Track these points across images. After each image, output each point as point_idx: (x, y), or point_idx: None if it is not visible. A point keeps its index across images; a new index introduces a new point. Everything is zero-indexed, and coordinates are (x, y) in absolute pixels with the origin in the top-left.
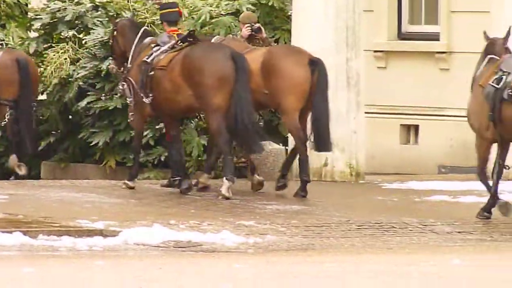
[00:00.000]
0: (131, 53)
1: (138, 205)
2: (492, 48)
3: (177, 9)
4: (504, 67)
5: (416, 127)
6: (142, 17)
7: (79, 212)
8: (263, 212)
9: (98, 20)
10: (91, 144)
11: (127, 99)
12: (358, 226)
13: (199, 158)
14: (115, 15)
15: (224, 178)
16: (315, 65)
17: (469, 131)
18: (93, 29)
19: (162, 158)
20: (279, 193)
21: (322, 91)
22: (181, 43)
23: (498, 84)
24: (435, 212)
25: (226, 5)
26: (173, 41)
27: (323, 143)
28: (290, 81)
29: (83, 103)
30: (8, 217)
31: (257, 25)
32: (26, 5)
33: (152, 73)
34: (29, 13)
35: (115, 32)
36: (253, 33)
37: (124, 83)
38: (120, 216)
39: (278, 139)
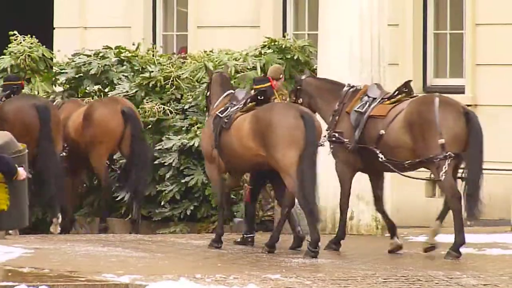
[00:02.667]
0: None
1: (164, 259)
2: (226, 82)
3: (20, 82)
4: (233, 100)
5: None
6: (168, 71)
7: (105, 266)
8: (289, 266)
9: (123, 75)
10: (117, 199)
11: None
12: (384, 279)
13: None
14: (140, 69)
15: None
16: (128, 115)
17: (493, 184)
18: (118, 84)
19: (188, 212)
20: (305, 247)
21: (136, 138)
22: (4, 99)
23: (222, 114)
24: (461, 265)
25: (251, 60)
26: None
27: (140, 190)
28: (102, 129)
29: None
30: (34, 271)
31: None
32: (51, 59)
33: None
34: (54, 68)
35: None
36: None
37: None
38: (146, 270)
39: None
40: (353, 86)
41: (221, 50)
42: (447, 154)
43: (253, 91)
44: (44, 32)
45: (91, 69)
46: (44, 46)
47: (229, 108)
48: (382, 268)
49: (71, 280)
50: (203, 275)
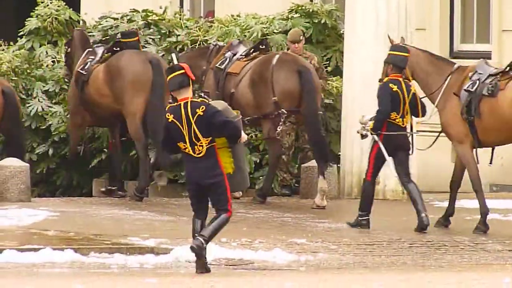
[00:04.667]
0: None
1: (189, 223)
2: (86, 39)
3: None
4: (91, 55)
5: None
6: (195, 34)
7: (130, 230)
8: (314, 230)
9: (150, 38)
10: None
11: None
12: (410, 244)
13: (251, 175)
14: (167, 33)
15: None
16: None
17: None
18: (145, 47)
19: None
20: (330, 212)
21: (13, 114)
22: None
23: (82, 70)
24: None
25: (278, 24)
26: None
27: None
28: None
29: None
30: (59, 234)
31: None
32: (78, 22)
33: None
34: None
35: None
36: None
37: None
38: (172, 234)
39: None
40: (216, 45)
41: (248, 14)
42: (280, 111)
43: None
44: None
45: (118, 33)
46: (71, 9)
47: (88, 63)
48: (407, 233)
49: (96, 243)
50: (229, 239)
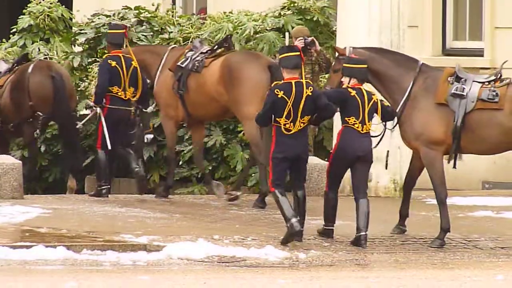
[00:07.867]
0: None
1: (182, 220)
2: None
3: None
4: None
5: None
6: (187, 32)
7: (123, 227)
8: (307, 227)
9: (143, 35)
10: None
11: None
12: (402, 241)
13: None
14: (159, 30)
15: None
16: None
17: None
18: (138, 44)
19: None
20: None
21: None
22: None
23: None
24: (478, 228)
25: (271, 21)
26: None
27: None
28: None
29: None
30: (51, 231)
31: (310, 38)
32: (71, 19)
33: None
34: (73, 28)
35: None
36: (306, 46)
37: None
38: (164, 231)
39: (322, 154)
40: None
41: (241, 11)
42: (36, 114)
43: None
44: None
45: None
46: (63, 6)
47: None
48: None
49: (89, 240)
50: (221, 236)
